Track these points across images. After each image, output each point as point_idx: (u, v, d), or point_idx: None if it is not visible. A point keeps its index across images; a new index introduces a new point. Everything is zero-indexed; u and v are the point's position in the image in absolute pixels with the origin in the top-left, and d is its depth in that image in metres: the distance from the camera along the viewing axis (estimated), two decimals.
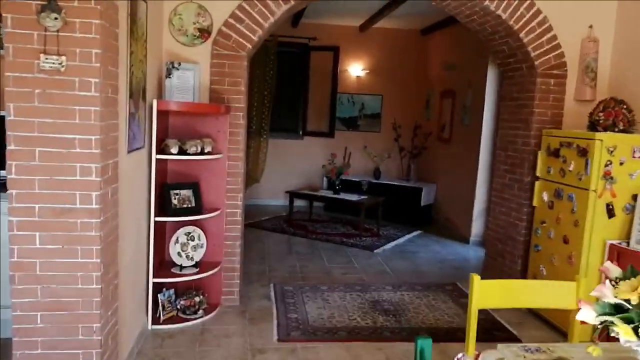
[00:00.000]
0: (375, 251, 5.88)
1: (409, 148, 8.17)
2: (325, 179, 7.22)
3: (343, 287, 4.49)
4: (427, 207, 7.53)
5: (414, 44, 8.35)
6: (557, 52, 3.98)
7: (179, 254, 3.48)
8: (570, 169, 3.52)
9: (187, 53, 3.76)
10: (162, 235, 3.59)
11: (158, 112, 3.28)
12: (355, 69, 8.31)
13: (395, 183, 7.58)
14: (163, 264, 3.60)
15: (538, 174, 3.93)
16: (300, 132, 8.44)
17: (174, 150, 3.36)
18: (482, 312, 2.86)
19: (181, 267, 3.51)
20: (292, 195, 6.99)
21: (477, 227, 6.38)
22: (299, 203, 7.39)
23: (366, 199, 6.59)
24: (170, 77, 3.55)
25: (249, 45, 3.77)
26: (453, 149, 7.13)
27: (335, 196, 6.67)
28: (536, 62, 3.96)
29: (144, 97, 3.13)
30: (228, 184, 3.81)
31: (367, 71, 8.33)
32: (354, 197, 6.61)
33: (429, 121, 8.08)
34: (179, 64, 3.65)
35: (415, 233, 6.87)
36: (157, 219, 3.33)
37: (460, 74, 6.98)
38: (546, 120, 4.03)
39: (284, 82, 8.34)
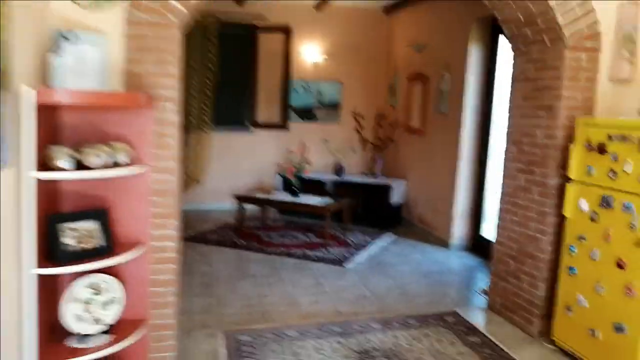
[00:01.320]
0: (346, 266, 4.89)
1: (373, 140, 7.23)
2: (280, 178, 6.17)
3: (317, 330, 3.44)
4: (398, 206, 6.62)
5: (376, 24, 7.38)
6: (590, 20, 3.09)
7: (78, 317, 2.30)
8: (628, 170, 2.63)
9: (90, 19, 2.58)
10: (53, 292, 2.41)
11: (39, 106, 2.10)
12: (310, 53, 7.23)
13: (360, 181, 6.61)
14: (56, 334, 2.41)
15: (572, 175, 3.03)
16: (249, 125, 7.31)
17: (65, 164, 2.17)
18: None
19: (82, 337, 2.35)
20: (242, 200, 5.87)
21: (459, 229, 5.53)
22: (251, 206, 6.28)
23: (331, 203, 5.58)
24: (59, 54, 2.35)
25: (184, 10, 2.65)
26: (426, 141, 6.24)
27: (295, 200, 5.62)
28: (566, 32, 3.06)
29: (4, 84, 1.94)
30: (155, 206, 2.68)
31: (325, 56, 7.28)
32: (316, 201, 5.58)
33: (395, 110, 7.16)
34: (75, 34, 2.46)
35: (388, 238, 5.94)
36: (40, 271, 2.17)
37: (433, 55, 6.07)
38: (577, 107, 3.14)
39: (228, 68, 7.16)
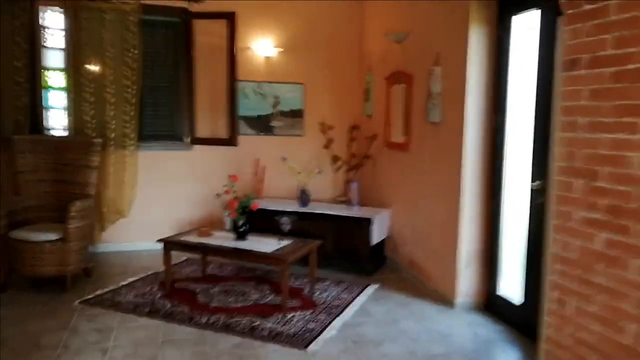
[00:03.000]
0: (311, 349, 3.38)
1: (345, 158, 5.75)
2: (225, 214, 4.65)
3: None
4: (380, 243, 5.14)
5: (345, 9, 5.92)
6: None
7: None
8: None
9: None
10: None
11: None
12: (262, 47, 5.73)
13: (331, 212, 5.10)
14: None
15: None
16: (188, 140, 5.74)
17: None
18: None
19: None
20: (168, 245, 4.29)
21: (465, 282, 4.08)
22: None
23: (290, 248, 4.05)
24: None
25: None
26: (412, 158, 4.79)
27: (239, 246, 4.07)
28: None
29: None
30: None
31: (280, 49, 5.78)
32: (270, 246, 4.05)
33: (371, 119, 5.70)
34: None
35: (368, 291, 4.46)
36: None
37: (419, 45, 4.64)
38: None
39: (156, 67, 5.61)
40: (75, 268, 4.37)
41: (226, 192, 4.18)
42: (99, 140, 4.74)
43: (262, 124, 5.86)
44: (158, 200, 5.66)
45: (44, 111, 5.34)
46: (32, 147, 4.67)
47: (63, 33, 5.22)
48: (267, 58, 5.78)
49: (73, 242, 4.29)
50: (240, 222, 4.14)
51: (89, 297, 4.22)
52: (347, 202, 5.45)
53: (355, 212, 5.06)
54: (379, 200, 5.50)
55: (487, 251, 4.05)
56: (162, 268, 4.55)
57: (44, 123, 5.34)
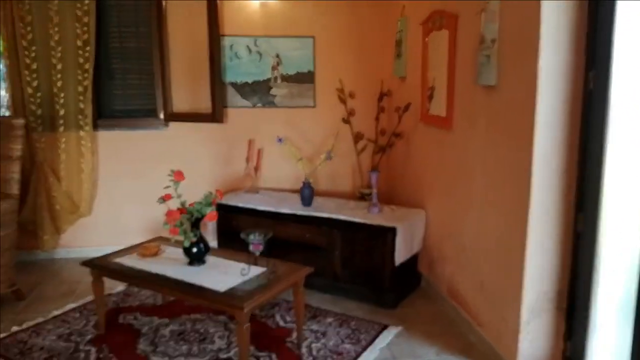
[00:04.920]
0: None
1: (372, 136, 4.24)
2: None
3: None
4: (411, 262, 3.64)
5: None
6: None
7: None
8: None
9: None
10: None
11: None
12: None
13: (340, 217, 3.63)
14: None
15: None
16: (161, 116, 4.44)
17: None
18: None
19: None
20: (96, 270, 3.02)
21: (533, 337, 2.54)
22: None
23: (259, 282, 2.65)
24: None
25: None
26: (457, 139, 3.21)
27: (185, 277, 2.72)
28: None
29: None
30: None
31: None
32: (229, 277, 2.67)
33: (404, 82, 4.13)
34: None
35: (383, 339, 3.02)
36: None
37: None
38: None
39: (116, 22, 4.30)
40: None
41: (167, 197, 2.82)
42: (21, 121, 3.51)
43: (258, 93, 4.44)
44: (127, 194, 4.44)
45: None
46: None
47: None
48: (264, 3, 4.30)
49: None
50: (188, 242, 2.79)
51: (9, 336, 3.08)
52: (366, 197, 3.98)
53: (373, 216, 3.57)
54: (411, 197, 3.98)
55: (568, 294, 2.49)
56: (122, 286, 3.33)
57: None
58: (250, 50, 4.36)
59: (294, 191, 4.20)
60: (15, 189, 3.47)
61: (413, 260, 3.71)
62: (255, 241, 2.72)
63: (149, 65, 4.37)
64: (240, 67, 4.37)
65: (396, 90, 4.26)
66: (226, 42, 4.30)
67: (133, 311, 3.40)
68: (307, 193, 3.82)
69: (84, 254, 4.37)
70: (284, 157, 4.18)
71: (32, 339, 3.06)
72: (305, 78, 4.43)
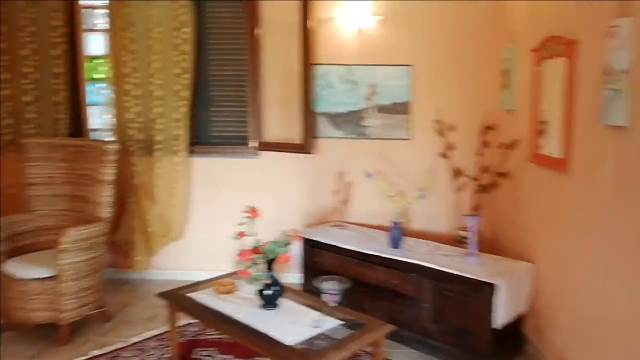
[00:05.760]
0: None
1: (473, 173, 3.84)
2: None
3: None
4: (515, 322, 3.16)
5: None
6: None
7: None
8: None
9: None
10: None
11: None
12: (352, 16, 4.08)
13: (431, 265, 3.25)
14: None
15: None
16: (253, 144, 4.39)
17: None
18: None
19: None
20: (171, 303, 2.93)
21: None
22: None
23: (332, 338, 2.39)
24: None
25: None
26: (576, 185, 2.72)
27: (253, 322, 2.52)
28: None
29: None
30: None
31: (380, 17, 4.07)
32: (299, 327, 2.44)
33: (512, 116, 3.69)
34: None
35: None
36: None
37: None
38: None
39: (215, 53, 4.35)
40: (71, 315, 3.31)
41: (241, 235, 2.67)
42: (114, 146, 3.60)
43: (351, 123, 4.24)
44: (217, 220, 4.42)
45: (86, 108, 4.46)
46: (47, 153, 3.74)
47: (105, 12, 4.22)
48: (361, 31, 4.11)
49: (67, 282, 3.23)
50: (261, 284, 2.61)
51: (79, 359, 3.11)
52: (462, 243, 3.57)
53: (470, 267, 3.16)
54: (517, 247, 3.50)
55: None
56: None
57: (87, 122, 4.47)
58: (344, 80, 4.18)
59: (383, 228, 3.90)
60: (105, 213, 3.55)
61: (518, 321, 3.22)
62: (331, 291, 2.47)
63: (243, 93, 4.36)
64: (333, 97, 4.21)
65: (502, 124, 3.82)
66: (319, 70, 4.16)
67: (209, 346, 3.29)
68: (395, 234, 3.51)
69: (174, 276, 4.45)
70: (375, 191, 3.91)
71: None
72: (401, 109, 4.15)
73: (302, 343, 2.34)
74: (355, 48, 4.14)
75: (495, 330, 2.96)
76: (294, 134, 4.20)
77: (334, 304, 2.50)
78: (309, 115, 4.09)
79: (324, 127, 4.25)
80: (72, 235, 3.21)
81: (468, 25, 4.03)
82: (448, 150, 3.79)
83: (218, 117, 4.45)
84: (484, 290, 2.95)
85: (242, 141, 4.42)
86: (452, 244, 3.76)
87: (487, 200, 3.75)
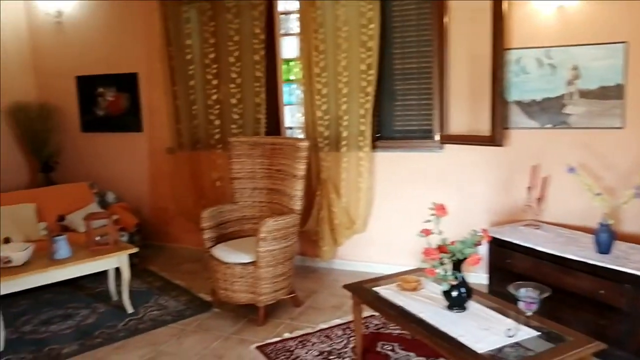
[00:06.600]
0: None
1: None
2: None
3: None
4: None
5: None
6: None
7: None
8: None
9: None
10: None
11: None
12: None
13: None
14: None
15: None
16: (437, 137, 4.25)
17: None
18: None
19: None
20: (356, 295, 2.98)
21: None
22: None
23: (525, 355, 2.17)
24: None
25: None
26: None
27: (437, 322, 2.42)
28: None
29: None
30: None
31: None
32: (491, 335, 2.28)
33: None
34: None
35: None
36: None
37: None
38: None
39: (399, 47, 4.33)
40: (267, 298, 3.61)
41: (426, 232, 2.59)
42: (306, 143, 3.80)
43: (548, 112, 3.82)
44: (400, 215, 4.42)
45: (282, 108, 4.81)
46: (249, 150, 4.13)
47: (297, 16, 4.49)
48: (561, 8, 3.67)
49: (264, 268, 3.53)
50: (448, 285, 2.50)
51: (272, 340, 3.39)
52: None
53: None
54: None
55: None
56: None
57: (282, 121, 4.82)
58: (541, 64, 3.78)
59: (585, 230, 3.45)
60: (297, 205, 3.78)
61: None
62: (528, 298, 2.24)
63: (427, 85, 4.25)
64: (528, 83, 3.84)
65: None
66: (512, 55, 3.83)
67: (392, 341, 3.29)
68: (604, 238, 3.06)
69: (357, 267, 4.59)
70: (576, 188, 3.46)
71: (298, 350, 3.25)
72: (612, 93, 3.59)
73: (493, 352, 2.18)
74: (555, 28, 3.71)
75: None
76: (482, 126, 3.94)
77: (530, 313, 2.27)
78: (500, 104, 3.80)
79: (516, 116, 3.91)
80: (270, 225, 3.50)
81: None
82: None
83: (401, 111, 4.42)
84: None
85: (425, 134, 4.32)
86: None
87: None
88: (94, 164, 5.77)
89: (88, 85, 5.61)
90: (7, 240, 3.71)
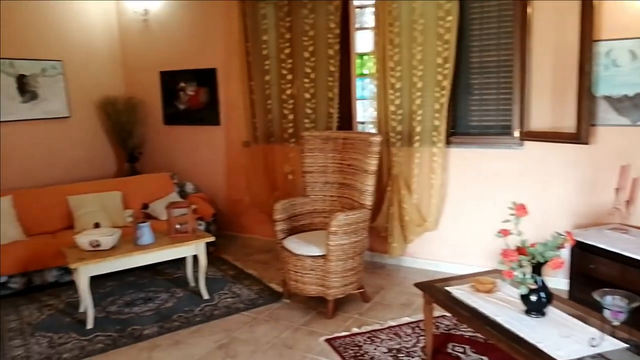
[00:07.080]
0: None
1: None
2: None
3: None
4: None
5: None
6: None
7: None
8: None
9: None
10: None
11: None
12: None
13: None
14: None
15: None
16: (516, 134, 4.08)
17: None
18: None
19: None
20: (428, 294, 2.94)
21: None
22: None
23: None
24: None
25: None
26: None
27: (517, 329, 2.33)
28: None
29: None
30: None
31: None
32: (572, 343, 2.16)
33: None
34: None
35: None
36: None
37: None
38: None
39: (478, 40, 4.19)
40: (336, 292, 3.64)
41: (504, 233, 2.49)
42: (378, 138, 3.77)
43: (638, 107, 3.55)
44: (474, 214, 4.29)
45: (355, 102, 4.81)
46: (321, 144, 4.16)
47: (372, 10, 4.45)
48: None
49: (334, 262, 3.56)
50: (526, 288, 2.40)
51: (341, 334, 3.42)
52: None
53: None
54: None
55: None
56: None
57: (355, 116, 4.82)
58: (634, 56, 3.51)
59: None
60: (368, 200, 3.77)
61: None
62: (615, 307, 2.11)
63: (507, 79, 4.08)
64: (619, 77, 3.58)
65: None
66: (601, 48, 3.59)
67: (463, 343, 3.21)
68: None
69: (427, 266, 4.52)
70: None
71: (366, 345, 3.25)
72: None
73: None
74: None
75: None
76: (566, 122, 3.73)
77: (617, 323, 2.13)
78: (587, 100, 3.57)
79: (605, 113, 3.66)
80: (341, 219, 3.52)
81: None
82: None
83: (478, 105, 4.27)
84: None
85: (503, 130, 4.15)
86: None
87: None
88: (175, 155, 6.06)
89: (170, 80, 5.89)
90: (96, 225, 3.99)
